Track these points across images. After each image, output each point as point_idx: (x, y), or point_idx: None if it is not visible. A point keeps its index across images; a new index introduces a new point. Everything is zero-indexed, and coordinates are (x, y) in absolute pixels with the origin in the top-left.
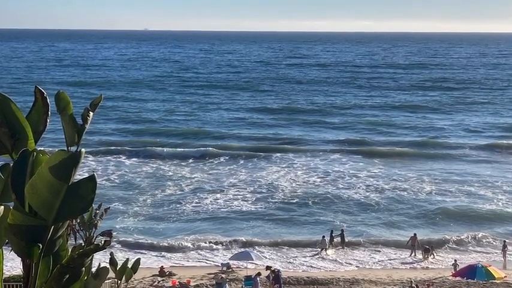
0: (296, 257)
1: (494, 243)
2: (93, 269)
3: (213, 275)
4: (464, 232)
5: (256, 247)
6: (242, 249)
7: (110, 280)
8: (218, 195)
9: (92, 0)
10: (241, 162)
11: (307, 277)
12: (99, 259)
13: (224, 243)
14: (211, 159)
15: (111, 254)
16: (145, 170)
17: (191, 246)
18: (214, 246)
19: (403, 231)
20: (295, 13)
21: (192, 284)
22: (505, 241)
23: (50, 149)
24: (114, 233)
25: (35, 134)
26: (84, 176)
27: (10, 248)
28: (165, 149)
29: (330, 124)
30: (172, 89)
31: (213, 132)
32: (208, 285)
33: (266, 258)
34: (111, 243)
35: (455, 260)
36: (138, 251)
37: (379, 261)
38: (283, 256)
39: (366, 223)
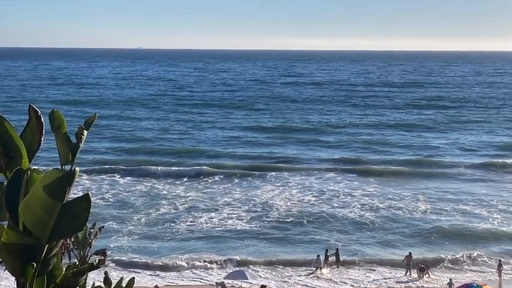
0: (291, 276)
1: (489, 262)
2: None
3: None
4: (460, 251)
5: (251, 266)
6: (237, 268)
7: None
8: (213, 214)
9: (86, 19)
10: (236, 181)
11: None
12: (94, 278)
13: (219, 262)
14: (205, 178)
15: (106, 273)
16: (140, 188)
17: (186, 265)
18: (209, 265)
19: (398, 250)
20: (290, 32)
21: None
22: (500, 260)
23: (44, 167)
24: (109, 252)
25: (29, 153)
26: (79, 195)
27: (4, 267)
28: (160, 168)
29: (325, 143)
30: (167, 107)
31: (208, 151)
32: None
33: (261, 277)
34: (106, 262)
35: (450, 279)
36: (132, 270)
37: (374, 280)
38: (278, 275)
39: (361, 242)
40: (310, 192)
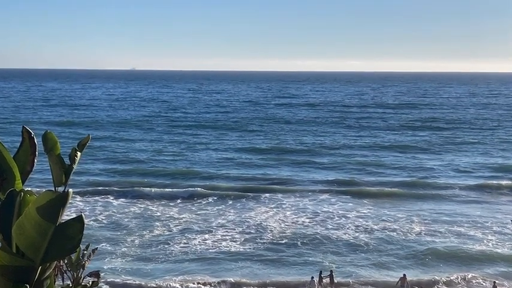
0: None
1: (484, 284)
2: None
3: None
4: (454, 273)
5: None
6: None
7: None
8: (206, 236)
9: (80, 40)
10: (230, 202)
11: None
12: None
13: (213, 284)
14: (199, 199)
15: None
16: (133, 210)
17: (179, 287)
18: (203, 287)
19: (392, 272)
20: (284, 52)
21: None
22: (494, 282)
23: (38, 189)
24: (102, 274)
25: (22, 174)
26: (72, 217)
27: None
28: (153, 190)
29: (319, 164)
30: (161, 129)
31: (202, 172)
32: None
33: None
34: (99, 284)
35: None
36: None
37: None
38: None
39: (355, 264)
40: (304, 214)
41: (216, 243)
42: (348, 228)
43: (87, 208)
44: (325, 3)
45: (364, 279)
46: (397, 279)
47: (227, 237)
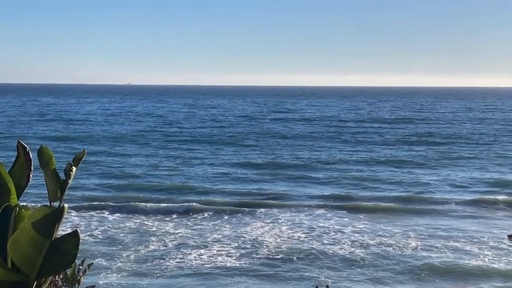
0: None
1: None
2: None
3: None
4: None
5: None
6: None
7: None
8: (202, 251)
9: (75, 54)
10: (226, 217)
11: None
12: None
13: None
14: (195, 214)
15: None
16: (129, 225)
17: None
18: None
19: (388, 287)
20: (280, 68)
21: None
22: None
23: (33, 204)
24: None
25: (18, 189)
26: (67, 232)
27: None
28: (149, 205)
29: (315, 179)
30: (156, 143)
31: (197, 187)
32: None
33: None
34: None
35: None
36: None
37: None
38: None
39: (351, 279)
40: (300, 229)
41: (211, 258)
42: (343, 243)
43: (83, 223)
44: (323, 19)
45: None
46: None
47: (223, 252)
